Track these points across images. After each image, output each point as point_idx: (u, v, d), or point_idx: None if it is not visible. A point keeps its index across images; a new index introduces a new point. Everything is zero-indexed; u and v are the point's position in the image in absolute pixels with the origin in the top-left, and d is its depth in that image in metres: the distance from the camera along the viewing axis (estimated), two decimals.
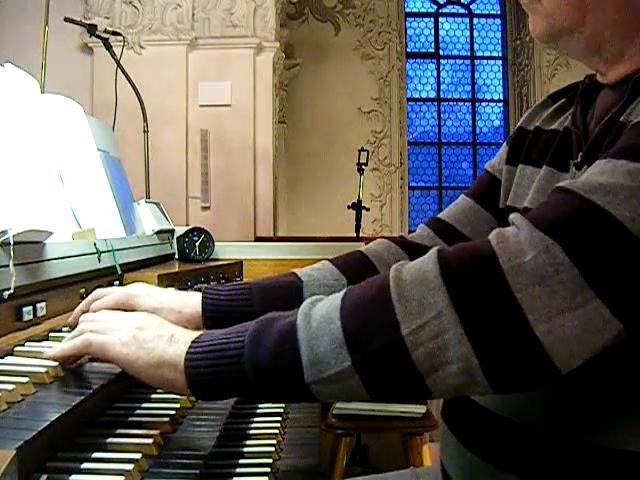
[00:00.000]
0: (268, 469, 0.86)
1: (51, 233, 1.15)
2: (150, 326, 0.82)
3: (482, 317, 0.64)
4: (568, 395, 0.78)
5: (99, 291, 1.08)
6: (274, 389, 0.73)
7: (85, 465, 0.73)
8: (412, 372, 0.66)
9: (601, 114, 0.88)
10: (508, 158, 1.05)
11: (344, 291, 0.73)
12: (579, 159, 0.88)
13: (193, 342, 0.78)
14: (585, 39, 0.86)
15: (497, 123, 7.33)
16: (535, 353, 0.64)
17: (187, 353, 0.76)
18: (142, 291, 1.06)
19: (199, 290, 1.08)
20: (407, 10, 7.12)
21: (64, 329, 1.10)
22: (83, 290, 1.30)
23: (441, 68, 7.31)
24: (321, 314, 0.71)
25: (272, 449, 0.92)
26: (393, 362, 0.66)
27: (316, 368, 0.69)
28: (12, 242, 0.98)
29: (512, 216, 0.71)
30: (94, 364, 0.93)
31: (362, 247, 1.15)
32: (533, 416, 0.81)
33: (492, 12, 7.32)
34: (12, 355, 0.92)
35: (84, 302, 1.07)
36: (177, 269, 1.91)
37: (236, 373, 0.73)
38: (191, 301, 1.05)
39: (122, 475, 0.71)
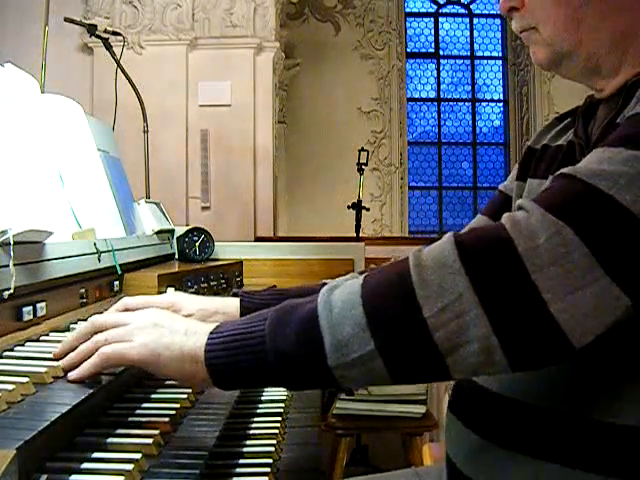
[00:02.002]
0: (268, 469, 0.86)
1: (51, 233, 1.15)
2: (164, 322, 0.83)
3: (501, 298, 0.68)
4: (570, 373, 0.81)
5: (125, 300, 1.04)
6: (297, 375, 0.75)
7: (85, 465, 0.73)
8: (434, 353, 0.69)
9: (601, 124, 0.93)
10: (518, 175, 1.10)
11: (362, 277, 0.75)
12: None
13: (212, 333, 0.79)
14: (583, 60, 0.91)
15: (497, 123, 7.33)
16: (551, 331, 0.68)
17: (207, 344, 0.77)
18: (181, 297, 1.10)
19: (235, 295, 1.12)
20: (407, 10, 7.12)
21: (72, 326, 1.10)
22: (83, 290, 1.30)
23: (441, 68, 7.31)
24: (342, 300, 0.73)
25: (272, 449, 0.92)
26: (415, 344, 0.69)
27: (340, 352, 0.71)
28: (12, 242, 0.98)
29: (520, 201, 0.75)
30: None
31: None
32: (538, 395, 0.84)
33: (492, 12, 7.32)
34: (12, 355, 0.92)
35: (113, 308, 1.03)
36: (177, 269, 1.91)
37: (258, 361, 0.75)
38: (229, 304, 1.10)
39: (122, 475, 0.71)
